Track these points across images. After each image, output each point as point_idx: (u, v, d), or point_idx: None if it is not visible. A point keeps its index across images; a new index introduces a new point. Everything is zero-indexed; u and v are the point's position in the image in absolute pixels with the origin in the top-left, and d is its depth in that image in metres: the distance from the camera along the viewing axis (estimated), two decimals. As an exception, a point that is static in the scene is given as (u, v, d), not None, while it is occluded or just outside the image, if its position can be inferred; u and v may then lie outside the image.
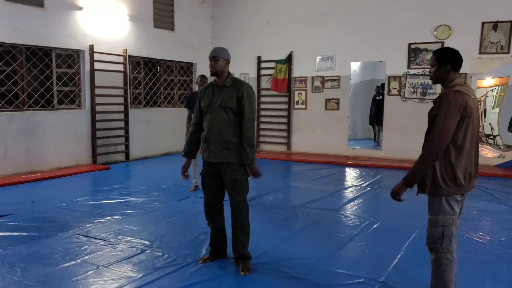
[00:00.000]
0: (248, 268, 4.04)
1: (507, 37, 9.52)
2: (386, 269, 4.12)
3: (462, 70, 10.29)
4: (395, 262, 4.31)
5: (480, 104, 12.36)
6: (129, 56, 10.60)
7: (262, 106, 12.55)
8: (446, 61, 3.09)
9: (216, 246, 4.31)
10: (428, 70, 9.85)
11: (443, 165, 3.05)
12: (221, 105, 3.96)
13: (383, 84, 13.82)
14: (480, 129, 12.26)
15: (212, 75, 4.05)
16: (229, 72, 4.11)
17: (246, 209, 4.10)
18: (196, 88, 12.39)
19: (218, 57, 3.99)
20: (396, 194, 3.16)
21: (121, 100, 10.45)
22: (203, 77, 7.26)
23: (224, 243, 4.35)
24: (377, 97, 13.00)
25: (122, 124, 10.53)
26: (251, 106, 4.02)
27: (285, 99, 12.18)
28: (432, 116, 3.09)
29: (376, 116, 12.87)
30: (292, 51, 12.00)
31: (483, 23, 9.71)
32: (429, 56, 10.30)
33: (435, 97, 10.27)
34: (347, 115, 11.68)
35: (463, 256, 4.54)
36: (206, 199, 4.20)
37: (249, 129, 3.98)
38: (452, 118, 2.94)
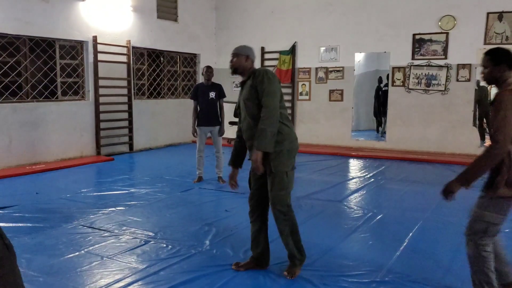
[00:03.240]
0: (293, 271, 3.79)
1: (513, 28, 9.48)
2: (389, 260, 4.13)
3: (467, 61, 10.18)
4: (398, 253, 4.31)
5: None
6: (133, 47, 10.58)
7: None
8: (501, 61, 3.01)
9: (255, 247, 3.95)
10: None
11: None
12: (243, 100, 3.78)
13: (381, 77, 13.86)
14: (484, 120, 12.21)
15: (232, 73, 3.91)
16: (252, 68, 3.88)
17: (282, 206, 3.78)
18: (200, 79, 12.40)
19: (237, 54, 3.84)
20: (449, 192, 3.06)
21: (125, 91, 10.45)
22: (208, 68, 7.27)
23: (264, 247, 3.96)
24: (383, 88, 12.96)
25: (126, 115, 10.54)
26: (265, 88, 3.61)
27: (288, 90, 12.13)
28: (491, 117, 2.98)
29: (382, 107, 12.89)
30: (296, 42, 11.95)
31: (488, 13, 9.64)
32: (433, 47, 10.24)
33: (439, 88, 10.30)
34: (351, 106, 11.65)
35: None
36: (251, 193, 3.95)
37: (262, 113, 3.58)
38: (510, 116, 2.85)
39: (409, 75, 10.56)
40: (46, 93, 8.92)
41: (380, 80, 13.94)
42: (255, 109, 3.69)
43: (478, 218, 3.07)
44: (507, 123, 2.84)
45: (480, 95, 11.59)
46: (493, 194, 2.98)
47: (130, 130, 10.64)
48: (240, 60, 3.84)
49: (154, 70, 11.64)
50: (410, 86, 10.58)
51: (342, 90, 11.55)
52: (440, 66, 10.18)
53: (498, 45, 9.54)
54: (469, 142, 10.03)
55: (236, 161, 4.03)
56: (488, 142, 10.97)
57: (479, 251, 3.07)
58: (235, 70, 3.88)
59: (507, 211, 3.03)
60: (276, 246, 4.45)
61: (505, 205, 3.01)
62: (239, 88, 4.03)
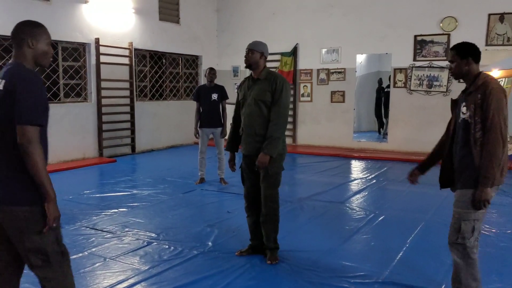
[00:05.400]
0: (274, 258, 4.12)
1: (514, 29, 9.48)
2: (392, 261, 4.13)
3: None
4: (400, 254, 4.31)
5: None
6: (135, 49, 10.61)
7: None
8: (467, 54, 3.07)
9: (254, 238, 4.33)
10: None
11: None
12: (254, 98, 4.02)
13: (381, 79, 13.91)
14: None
15: (246, 67, 4.14)
16: (265, 66, 4.16)
17: (274, 203, 4.11)
18: (202, 81, 12.42)
19: (253, 50, 4.06)
20: (486, 202, 2.93)
21: (127, 93, 10.47)
22: (211, 69, 7.30)
23: (261, 238, 4.29)
24: (385, 89, 12.96)
25: (128, 117, 10.56)
26: (282, 99, 3.99)
27: (290, 92, 12.13)
28: (475, 108, 2.97)
29: (385, 108, 12.90)
30: (297, 43, 11.97)
31: (489, 14, 9.64)
32: (435, 48, 10.25)
33: (441, 89, 10.30)
34: (353, 107, 11.66)
35: (469, 248, 4.55)
36: (245, 191, 4.28)
37: (275, 121, 3.94)
38: (503, 104, 2.90)
39: (411, 76, 10.57)
40: (48, 95, 8.93)
41: (380, 81, 13.95)
42: (266, 110, 4.01)
43: (463, 219, 3.03)
44: (500, 110, 2.88)
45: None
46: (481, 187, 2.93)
47: (132, 131, 10.66)
48: (255, 57, 4.07)
49: (156, 72, 11.67)
50: (412, 88, 10.58)
51: (343, 92, 11.56)
52: (442, 67, 10.18)
53: (500, 46, 9.55)
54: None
55: (233, 146, 4.37)
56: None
57: (469, 254, 3.03)
58: (249, 65, 4.10)
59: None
60: (281, 245, 4.46)
61: None
62: (240, 81, 4.22)
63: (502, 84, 12.89)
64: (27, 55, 2.46)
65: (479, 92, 2.97)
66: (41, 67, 2.59)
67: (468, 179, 3.01)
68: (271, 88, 3.99)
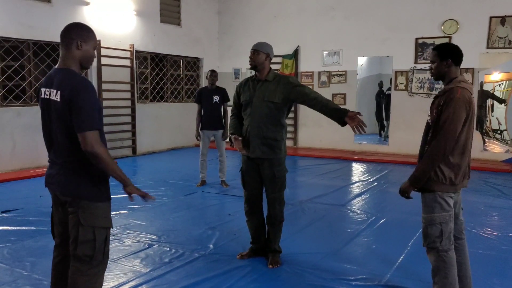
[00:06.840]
0: (276, 261, 4.10)
1: (516, 32, 9.47)
2: (393, 264, 4.13)
3: (469, 65, 10.13)
4: (401, 257, 4.31)
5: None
6: (136, 51, 10.62)
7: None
8: (448, 56, 3.06)
9: (256, 242, 4.31)
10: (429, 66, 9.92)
11: (443, 163, 3.02)
12: (264, 99, 3.94)
13: (381, 82, 13.92)
14: (487, 124, 12.20)
15: (251, 68, 4.06)
16: (270, 68, 4.10)
17: (281, 205, 4.13)
18: (203, 83, 12.42)
19: (259, 51, 4.00)
20: (404, 193, 3.18)
21: (128, 95, 10.47)
22: (213, 72, 7.32)
23: (263, 242, 4.30)
24: (386, 92, 12.96)
25: (129, 119, 10.57)
26: (305, 88, 4.06)
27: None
28: (437, 112, 3.04)
29: (386, 111, 12.90)
30: (298, 46, 11.97)
31: (490, 17, 9.63)
32: (436, 51, 10.24)
33: (442, 92, 10.27)
34: (354, 110, 11.63)
35: (470, 251, 4.52)
36: (247, 195, 4.21)
37: (324, 99, 4.07)
38: (460, 116, 2.91)
39: (412, 79, 10.57)
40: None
41: (380, 84, 13.95)
42: (275, 111, 3.94)
43: (429, 223, 3.07)
44: (454, 119, 2.90)
45: (483, 98, 11.59)
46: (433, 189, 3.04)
47: (133, 133, 10.66)
48: (261, 58, 4.01)
49: (157, 74, 11.67)
50: (413, 90, 10.57)
51: (344, 94, 11.56)
52: (443, 70, 10.17)
53: (501, 49, 9.55)
54: (472, 146, 9.99)
55: (239, 130, 4.15)
56: (488, 144, 10.97)
57: (442, 258, 3.06)
58: (254, 66, 4.01)
59: (450, 205, 3.05)
60: (282, 248, 4.45)
61: (445, 199, 3.04)
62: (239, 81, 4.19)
63: (502, 87, 12.92)
64: (75, 57, 2.61)
65: (444, 97, 2.99)
66: (84, 69, 2.74)
67: (425, 183, 3.07)
68: (286, 91, 3.92)
